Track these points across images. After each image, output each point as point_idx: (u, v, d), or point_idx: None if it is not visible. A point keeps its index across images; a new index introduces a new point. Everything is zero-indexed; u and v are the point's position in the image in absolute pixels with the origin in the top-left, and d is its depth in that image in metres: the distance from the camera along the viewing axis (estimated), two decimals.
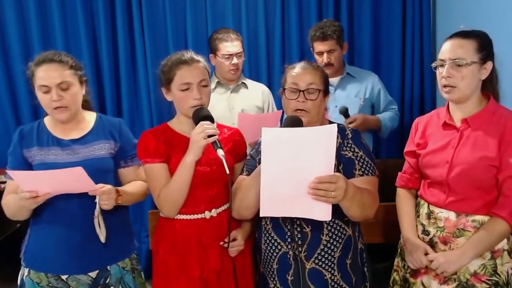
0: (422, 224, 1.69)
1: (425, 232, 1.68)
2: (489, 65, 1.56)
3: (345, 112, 2.45)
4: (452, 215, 1.60)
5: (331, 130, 1.32)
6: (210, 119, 1.61)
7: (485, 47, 1.55)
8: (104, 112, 2.99)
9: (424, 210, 1.70)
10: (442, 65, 1.58)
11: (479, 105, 1.60)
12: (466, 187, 1.56)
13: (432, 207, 1.67)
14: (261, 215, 1.46)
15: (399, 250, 1.82)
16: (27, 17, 2.87)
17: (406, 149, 1.82)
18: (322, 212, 1.39)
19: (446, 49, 1.57)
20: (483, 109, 1.58)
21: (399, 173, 1.84)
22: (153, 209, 2.24)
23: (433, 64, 1.62)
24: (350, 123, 2.42)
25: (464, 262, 1.55)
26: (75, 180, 1.54)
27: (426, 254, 1.63)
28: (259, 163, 1.41)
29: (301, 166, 1.35)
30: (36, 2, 2.85)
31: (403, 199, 1.79)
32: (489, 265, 1.56)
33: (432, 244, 1.65)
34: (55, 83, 1.62)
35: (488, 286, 1.56)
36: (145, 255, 3.10)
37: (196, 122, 1.59)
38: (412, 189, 1.80)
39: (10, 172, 1.60)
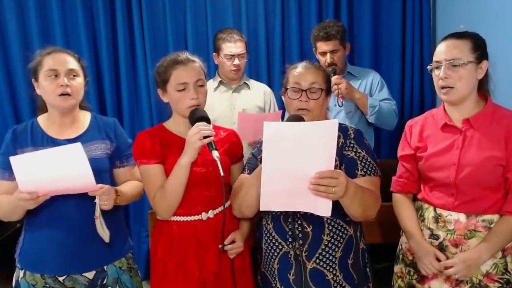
0: (430, 229, 1.65)
1: (434, 236, 1.64)
2: (484, 64, 1.55)
3: (333, 72, 2.48)
4: (462, 217, 1.58)
5: (332, 125, 1.32)
6: (206, 120, 1.60)
7: (479, 46, 1.54)
8: (104, 112, 3.00)
9: (430, 213, 1.66)
10: (437, 67, 1.57)
11: (477, 105, 1.59)
12: (474, 187, 1.55)
13: (439, 210, 1.63)
14: (261, 209, 1.46)
15: (400, 256, 1.78)
16: (27, 17, 2.86)
17: (400, 152, 1.77)
18: (322, 208, 1.38)
19: (441, 51, 1.56)
20: (483, 109, 1.58)
21: (394, 178, 1.79)
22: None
23: (428, 66, 1.61)
24: (336, 84, 2.42)
25: (481, 264, 1.54)
26: (74, 171, 1.49)
27: (437, 259, 1.59)
28: (261, 162, 1.41)
29: (302, 160, 1.35)
30: (36, 2, 2.85)
31: (403, 205, 1.74)
32: (500, 263, 1.56)
33: (442, 248, 1.62)
34: (66, 68, 1.65)
35: (500, 285, 1.55)
36: (145, 255, 3.10)
37: (192, 123, 1.58)
38: (409, 193, 1.77)
39: (10, 158, 1.50)
